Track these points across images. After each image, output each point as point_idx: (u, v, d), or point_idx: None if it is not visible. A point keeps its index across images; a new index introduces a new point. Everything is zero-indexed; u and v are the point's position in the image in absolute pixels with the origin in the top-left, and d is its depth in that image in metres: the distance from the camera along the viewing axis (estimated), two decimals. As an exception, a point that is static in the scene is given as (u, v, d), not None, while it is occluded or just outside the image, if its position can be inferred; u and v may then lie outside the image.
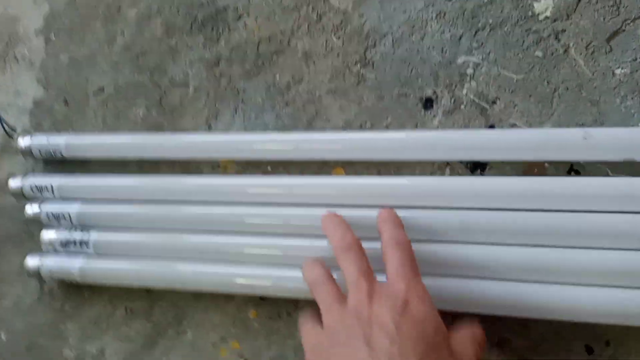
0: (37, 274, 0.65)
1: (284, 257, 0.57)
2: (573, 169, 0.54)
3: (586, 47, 0.56)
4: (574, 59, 0.56)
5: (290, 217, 0.58)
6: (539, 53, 0.57)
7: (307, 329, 0.49)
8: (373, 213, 0.55)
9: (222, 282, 0.59)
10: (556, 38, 0.57)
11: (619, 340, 0.49)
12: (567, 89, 0.56)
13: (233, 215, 0.60)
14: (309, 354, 0.46)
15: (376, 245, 0.52)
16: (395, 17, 0.62)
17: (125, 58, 0.73)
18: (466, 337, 0.45)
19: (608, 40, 0.55)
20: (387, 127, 0.61)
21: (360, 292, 0.44)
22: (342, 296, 0.47)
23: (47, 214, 0.66)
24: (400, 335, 0.40)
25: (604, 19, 0.55)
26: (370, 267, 0.48)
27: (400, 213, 0.54)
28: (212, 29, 0.69)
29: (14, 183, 0.69)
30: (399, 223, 0.50)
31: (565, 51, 0.56)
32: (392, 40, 0.62)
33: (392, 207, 0.54)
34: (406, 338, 0.39)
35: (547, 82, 0.56)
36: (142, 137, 0.67)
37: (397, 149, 0.57)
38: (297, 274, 0.55)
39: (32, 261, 0.65)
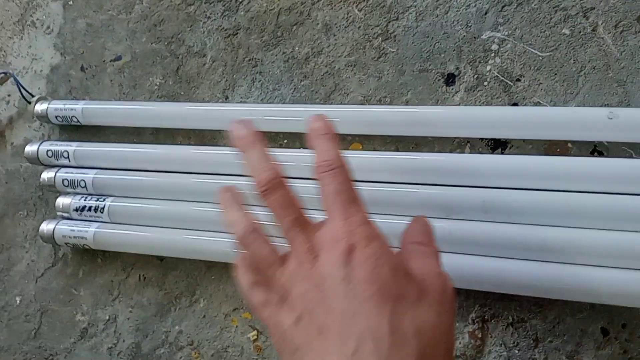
0: (51, 240, 0.65)
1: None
2: (596, 149, 0.53)
3: (615, 26, 0.54)
4: (602, 38, 0.55)
5: (303, 190, 0.57)
6: (566, 31, 0.56)
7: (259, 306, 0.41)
8: (391, 189, 0.54)
9: (234, 253, 0.58)
10: (584, 16, 0.55)
11: (635, 322, 0.48)
12: (594, 68, 0.54)
13: (245, 186, 0.59)
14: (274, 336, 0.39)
15: (396, 220, 0.52)
16: (419, -10, 0.61)
17: (143, 26, 0.73)
18: (423, 257, 0.40)
19: (639, 19, 0.54)
20: (407, 103, 0.60)
21: (297, 249, 0.39)
22: (279, 257, 0.41)
23: (63, 180, 0.66)
24: (353, 290, 0.34)
25: (635, -4, 0.54)
26: (301, 211, 0.41)
27: (419, 190, 0.53)
28: (232, -2, 0.68)
29: (30, 148, 0.69)
30: (331, 137, 0.41)
31: (593, 30, 0.55)
32: (416, 14, 0.61)
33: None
34: (361, 291, 0.34)
35: (573, 61, 0.55)
36: (158, 106, 0.67)
37: (416, 124, 0.57)
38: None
39: (47, 226, 0.66)
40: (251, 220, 0.42)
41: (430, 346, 0.34)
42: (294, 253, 0.39)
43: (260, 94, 0.65)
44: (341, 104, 0.62)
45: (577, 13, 0.56)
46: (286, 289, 0.38)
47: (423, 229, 0.43)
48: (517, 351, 0.51)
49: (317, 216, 0.55)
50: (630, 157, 0.51)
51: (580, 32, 0.55)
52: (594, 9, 0.55)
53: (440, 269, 0.39)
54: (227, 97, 0.67)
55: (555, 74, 0.55)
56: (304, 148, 0.62)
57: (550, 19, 0.56)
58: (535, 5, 0.57)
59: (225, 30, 0.68)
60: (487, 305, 0.52)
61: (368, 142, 0.60)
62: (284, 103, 0.64)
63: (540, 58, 0.56)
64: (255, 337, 0.59)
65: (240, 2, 0.68)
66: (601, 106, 0.53)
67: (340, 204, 0.38)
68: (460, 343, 0.52)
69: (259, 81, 0.66)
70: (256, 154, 0.43)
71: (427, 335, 0.34)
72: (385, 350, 0.32)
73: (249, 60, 0.67)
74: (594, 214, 0.49)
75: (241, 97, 0.66)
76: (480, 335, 0.52)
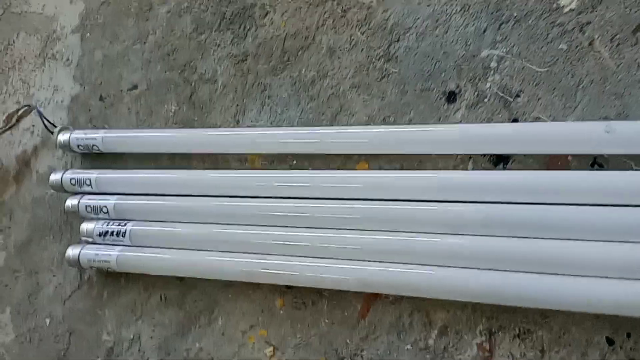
0: (77, 264, 0.69)
1: (310, 248, 0.59)
2: (596, 162, 0.54)
3: (611, 40, 0.55)
4: (599, 52, 0.56)
5: (315, 209, 0.60)
6: (563, 46, 0.57)
7: None
8: (397, 207, 0.56)
9: (251, 272, 0.61)
10: (581, 31, 0.57)
11: (641, 332, 0.49)
12: (591, 82, 0.55)
13: (260, 208, 0.62)
14: None
15: (402, 237, 0.54)
16: (419, 11, 0.63)
17: (157, 55, 0.76)
18: None
19: (634, 32, 0.55)
20: (410, 122, 0.61)
21: None
22: None
23: (86, 207, 0.70)
24: None
25: (629, 11, 0.55)
26: None
27: (424, 207, 0.55)
28: (240, 25, 0.71)
29: (55, 177, 0.73)
30: None
31: (590, 44, 0.56)
32: (416, 35, 0.62)
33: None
34: None
35: (571, 75, 0.56)
36: (174, 133, 0.70)
37: (419, 142, 0.58)
38: (322, 264, 0.57)
39: (72, 251, 0.69)
40: None
41: None
42: None
43: (270, 117, 0.68)
44: (347, 124, 0.64)
45: (574, 28, 0.57)
46: None
47: None
48: (525, 362, 0.52)
49: (328, 235, 0.58)
50: (631, 169, 0.52)
51: (577, 47, 0.56)
52: (590, 23, 0.56)
53: None
54: (238, 122, 0.70)
55: (554, 89, 0.57)
56: (313, 169, 0.64)
57: (547, 34, 0.58)
58: (532, 21, 0.58)
59: (235, 56, 0.71)
60: (493, 317, 0.54)
61: (374, 160, 0.62)
62: (292, 125, 0.67)
63: (539, 73, 0.57)
64: (272, 353, 0.62)
65: (248, 30, 0.71)
66: (600, 119, 0.54)
67: None
68: (468, 355, 0.54)
69: (268, 105, 0.68)
70: None
71: None
72: None
73: (258, 85, 0.69)
74: (596, 226, 0.50)
75: (251, 121, 0.69)
76: (488, 347, 0.54)
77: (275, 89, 0.68)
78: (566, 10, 0.57)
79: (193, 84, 0.73)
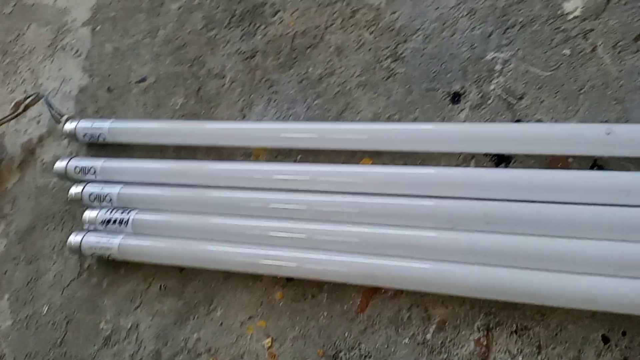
0: (78, 250, 0.69)
1: (310, 240, 0.59)
2: (596, 164, 0.55)
3: (613, 47, 0.57)
4: (601, 58, 0.57)
5: (316, 203, 0.60)
6: (566, 51, 0.58)
7: None
8: (400, 202, 0.57)
9: (251, 263, 0.61)
10: (584, 37, 0.58)
11: (635, 330, 0.49)
12: (593, 86, 0.57)
13: (262, 200, 0.63)
14: None
15: (404, 232, 0.54)
16: (427, 13, 0.64)
17: (167, 49, 0.77)
18: None
19: (636, 39, 0.56)
20: (415, 120, 0.62)
21: None
22: None
23: (89, 195, 0.70)
24: None
25: (632, 19, 0.56)
26: None
27: (426, 202, 0.56)
28: (250, 23, 0.73)
29: (60, 164, 0.73)
30: None
31: (593, 50, 0.58)
32: (423, 36, 0.64)
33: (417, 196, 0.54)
34: None
35: (574, 80, 0.58)
36: (180, 124, 0.71)
37: (423, 140, 0.60)
38: (322, 256, 0.58)
39: (75, 238, 0.69)
40: None
41: None
42: None
43: (276, 112, 0.69)
44: (352, 121, 0.65)
45: (578, 34, 0.58)
46: None
47: None
48: (521, 358, 0.52)
49: (331, 229, 0.59)
50: (629, 170, 0.53)
51: (580, 53, 0.58)
52: (593, 30, 0.58)
53: None
54: (244, 116, 0.71)
55: (557, 92, 0.58)
56: (317, 163, 0.65)
57: (552, 40, 0.59)
58: (537, 27, 0.60)
59: (244, 53, 0.72)
60: (491, 313, 0.54)
61: (378, 157, 0.63)
62: (298, 121, 0.68)
63: (542, 77, 0.59)
64: (270, 344, 0.62)
65: (258, 27, 0.72)
66: (600, 123, 0.56)
67: None
68: (466, 350, 0.54)
69: (275, 100, 0.69)
70: None
71: None
72: None
73: (266, 81, 0.70)
74: (594, 225, 0.51)
75: (257, 116, 0.70)
76: (485, 343, 0.54)
77: (283, 85, 0.69)
78: (570, 17, 0.59)
79: (201, 78, 0.74)
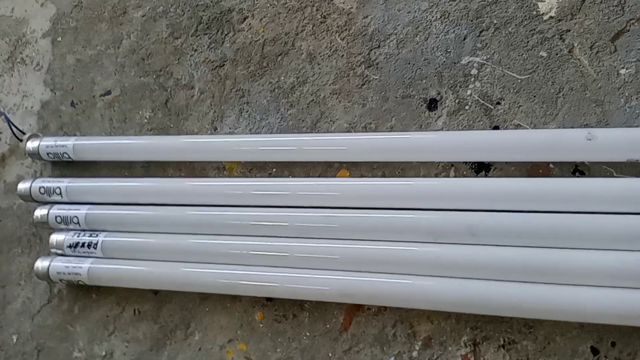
0: (46, 277, 0.66)
1: (290, 258, 0.57)
2: (578, 169, 0.54)
3: (591, 47, 0.56)
4: (579, 59, 0.56)
5: (294, 219, 0.58)
6: (543, 53, 0.57)
7: None
8: (379, 215, 0.55)
9: (228, 284, 0.59)
10: (561, 38, 0.57)
11: (625, 341, 0.49)
12: (572, 89, 0.55)
13: (238, 217, 0.60)
14: None
15: (385, 246, 0.53)
16: (399, 17, 0.62)
17: (131, 60, 0.74)
18: None
19: (613, 40, 0.55)
20: (392, 129, 0.61)
21: None
22: None
23: (55, 217, 0.67)
24: None
25: (608, 18, 0.55)
26: None
27: (407, 215, 0.54)
28: (217, 30, 0.70)
29: (23, 186, 0.70)
30: None
31: (570, 51, 0.56)
32: (397, 41, 0.62)
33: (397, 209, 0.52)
34: None
35: (552, 83, 0.56)
36: (148, 140, 0.68)
37: (401, 150, 0.58)
38: (302, 274, 0.56)
39: (41, 264, 0.66)
40: None
41: None
42: None
43: (249, 124, 0.66)
44: (327, 131, 0.63)
45: (554, 35, 0.57)
46: None
47: None
48: (509, 372, 0.51)
49: (308, 245, 0.57)
50: (612, 176, 0.52)
51: (557, 54, 0.56)
52: (569, 31, 0.57)
53: None
54: (215, 128, 0.68)
55: (535, 96, 0.56)
56: (292, 177, 0.62)
57: (528, 42, 0.58)
58: (512, 29, 0.58)
59: (212, 62, 0.70)
60: (478, 327, 0.53)
61: (355, 168, 0.61)
62: (271, 132, 0.65)
63: (519, 81, 0.57)
64: (251, 367, 0.60)
65: (226, 35, 0.69)
66: (580, 126, 0.54)
67: None
68: (453, 366, 0.53)
69: (247, 111, 0.67)
70: None
71: None
72: None
73: (236, 91, 0.68)
74: (578, 234, 0.50)
75: (230, 128, 0.67)
76: (472, 359, 0.53)
77: (254, 95, 0.67)
78: (546, 17, 0.57)
79: (169, 89, 0.71)
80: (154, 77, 0.72)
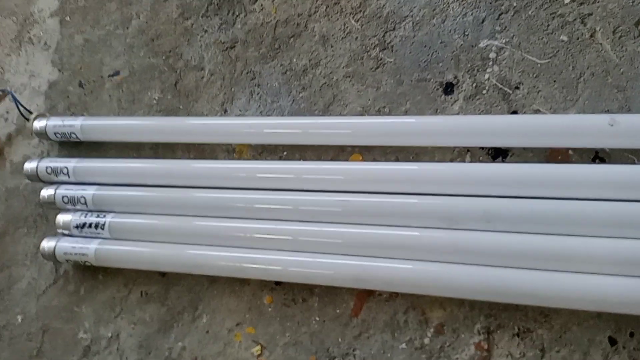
0: (52, 257, 0.65)
1: (296, 242, 0.56)
2: (598, 156, 0.52)
3: (613, 32, 0.54)
4: (600, 44, 0.54)
5: (301, 202, 0.57)
6: (564, 37, 0.56)
7: None
8: (393, 199, 0.54)
9: (236, 267, 0.58)
10: (582, 22, 0.55)
11: (643, 331, 0.48)
12: (593, 74, 0.54)
13: (245, 200, 0.59)
14: None
15: (398, 231, 0.52)
16: (415, -1, 0.61)
17: (140, 40, 0.73)
18: None
19: (637, 24, 0.53)
20: (406, 113, 0.59)
21: None
22: None
23: (62, 197, 0.66)
24: None
25: (633, 2, 0.54)
26: None
27: (421, 200, 0.53)
28: (229, 11, 0.68)
29: (30, 165, 0.69)
30: None
31: (592, 35, 0.55)
32: (412, 24, 0.60)
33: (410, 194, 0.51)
34: None
35: (572, 67, 0.55)
36: (157, 121, 0.67)
37: (415, 134, 0.56)
38: (313, 259, 0.55)
39: (47, 244, 0.65)
40: None
41: None
42: None
43: (259, 106, 0.65)
44: (340, 115, 0.62)
45: (575, 19, 0.56)
46: None
47: None
48: (523, 361, 0.50)
49: (315, 229, 0.56)
50: (633, 163, 0.51)
51: (578, 39, 0.55)
52: (591, 14, 0.55)
53: None
54: (225, 111, 0.67)
55: (554, 81, 0.55)
56: (303, 160, 0.61)
57: (548, 25, 0.56)
58: (532, 12, 0.57)
59: (223, 43, 0.68)
60: (492, 315, 0.52)
61: (368, 153, 0.60)
62: (283, 115, 0.64)
63: (539, 65, 0.56)
64: (259, 351, 0.59)
65: (237, 16, 0.68)
66: (601, 112, 0.53)
67: None
68: (466, 355, 0.52)
69: (258, 94, 0.66)
70: None
71: None
72: None
73: (247, 73, 0.67)
74: (597, 221, 0.49)
75: (240, 110, 0.66)
76: (486, 347, 0.52)
77: (265, 77, 0.66)
78: (567, 1, 0.56)
79: (178, 71, 0.70)
80: (164, 58, 0.71)
